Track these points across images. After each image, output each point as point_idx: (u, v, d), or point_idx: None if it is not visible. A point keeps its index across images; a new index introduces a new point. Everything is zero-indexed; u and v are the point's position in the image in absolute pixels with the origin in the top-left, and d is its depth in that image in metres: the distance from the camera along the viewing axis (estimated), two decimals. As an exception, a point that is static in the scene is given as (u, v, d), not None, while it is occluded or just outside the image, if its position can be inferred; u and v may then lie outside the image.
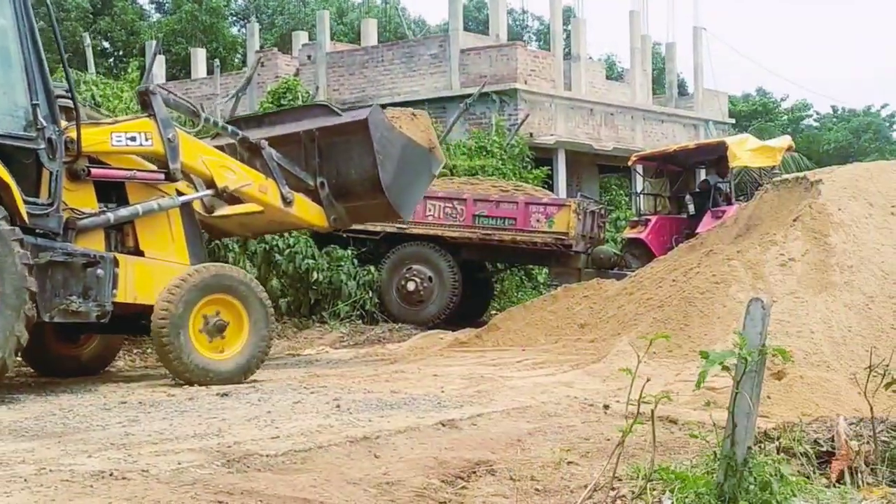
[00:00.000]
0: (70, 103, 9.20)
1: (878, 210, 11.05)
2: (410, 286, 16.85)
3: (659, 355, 9.53)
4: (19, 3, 8.78)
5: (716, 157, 19.21)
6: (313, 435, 6.45)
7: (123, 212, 9.70)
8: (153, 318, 9.34)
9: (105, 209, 9.60)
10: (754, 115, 58.31)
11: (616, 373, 9.57)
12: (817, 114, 72.37)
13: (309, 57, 30.06)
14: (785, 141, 19.55)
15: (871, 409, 5.67)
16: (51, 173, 8.88)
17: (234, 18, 46.52)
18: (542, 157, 27.30)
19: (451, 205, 17.16)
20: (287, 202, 11.14)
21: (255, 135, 11.55)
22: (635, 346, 10.00)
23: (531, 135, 27.03)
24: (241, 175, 10.80)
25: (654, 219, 18.94)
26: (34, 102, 8.75)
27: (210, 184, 10.66)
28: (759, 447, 5.50)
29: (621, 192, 33.29)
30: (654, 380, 6.61)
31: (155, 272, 9.78)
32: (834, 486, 5.26)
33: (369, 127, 11.35)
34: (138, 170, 10.08)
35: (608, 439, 6.70)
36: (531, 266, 20.51)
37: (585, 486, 5.43)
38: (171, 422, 7.00)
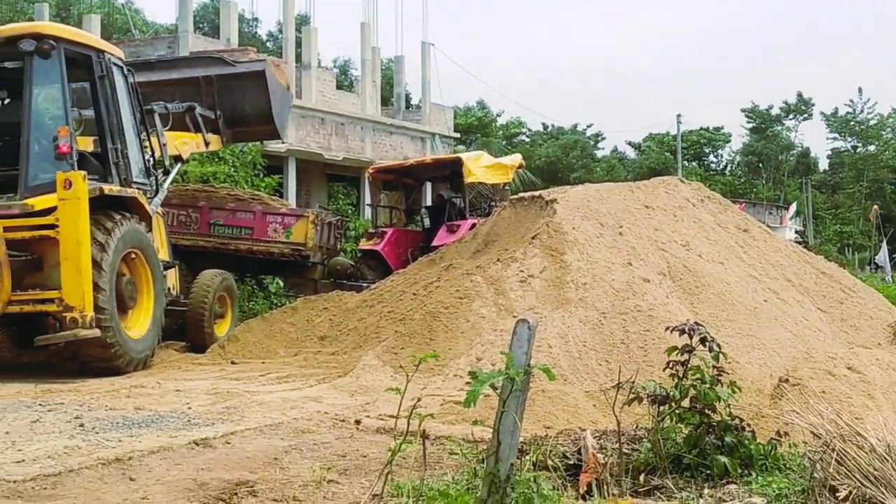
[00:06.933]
0: None
1: (608, 230, 11.63)
2: (140, 295, 16.35)
3: (406, 369, 9.61)
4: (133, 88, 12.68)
5: (451, 172, 19.68)
6: (61, 457, 6.12)
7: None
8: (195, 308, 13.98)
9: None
10: (472, 129, 60.18)
11: (363, 387, 9.62)
12: (529, 130, 75.76)
13: (27, 50, 28.57)
14: (516, 159, 20.29)
15: (619, 423, 5.95)
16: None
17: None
18: (273, 164, 27.13)
19: (185, 212, 16.75)
20: (207, 144, 15.36)
21: (149, 76, 14.67)
22: (383, 359, 10.10)
23: (262, 142, 26.81)
24: (189, 143, 14.80)
25: (389, 231, 19.15)
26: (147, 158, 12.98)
27: (178, 158, 14.48)
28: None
29: (348, 201, 33.55)
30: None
31: None
32: (582, 498, 5.45)
33: (266, 76, 15.58)
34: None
35: (364, 456, 6.72)
36: (264, 276, 20.29)
37: (350, 506, 5.43)
38: None
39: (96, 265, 10.72)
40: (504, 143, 60.53)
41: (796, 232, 56.29)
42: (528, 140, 74.41)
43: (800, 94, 75.32)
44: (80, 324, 10.38)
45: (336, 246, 18.40)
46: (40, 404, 8.44)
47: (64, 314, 10.43)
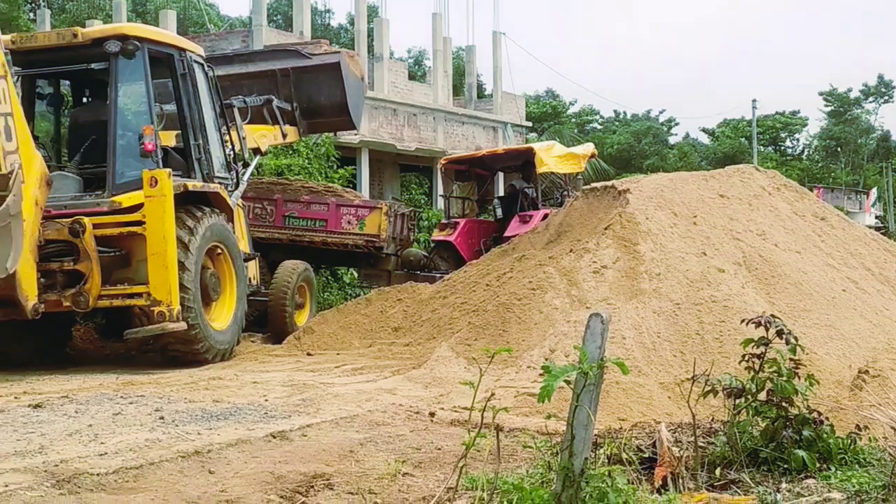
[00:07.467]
0: None
1: (682, 219, 11.51)
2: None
3: (479, 361, 9.64)
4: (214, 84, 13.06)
5: (523, 162, 19.63)
6: (142, 450, 6.24)
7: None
8: (277, 297, 14.28)
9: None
10: (545, 117, 59.91)
11: (437, 378, 9.65)
12: (602, 118, 75.28)
13: (105, 47, 29.08)
14: (588, 148, 20.19)
15: (694, 417, 5.90)
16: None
17: (29, 6, 44.32)
18: (347, 156, 27.32)
19: (260, 205, 16.95)
20: (284, 136, 15.67)
21: (227, 70, 15.09)
22: (456, 350, 10.12)
23: (335, 134, 27.00)
24: (267, 135, 15.19)
25: (462, 222, 19.17)
26: (227, 152, 13.30)
27: (257, 150, 14.87)
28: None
29: (421, 191, 33.65)
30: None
31: None
32: (658, 492, 5.42)
33: (341, 68, 15.87)
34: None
35: (439, 448, 6.75)
36: (338, 267, 20.46)
37: (424, 499, 5.46)
38: (-15, 437, 6.63)
39: (182, 259, 11.14)
40: (576, 131, 60.27)
41: (876, 217, 55.24)
42: (600, 127, 73.98)
43: (881, 77, 73.89)
44: (167, 317, 10.84)
45: (409, 237, 18.49)
46: (122, 396, 8.60)
47: (152, 308, 10.89)
